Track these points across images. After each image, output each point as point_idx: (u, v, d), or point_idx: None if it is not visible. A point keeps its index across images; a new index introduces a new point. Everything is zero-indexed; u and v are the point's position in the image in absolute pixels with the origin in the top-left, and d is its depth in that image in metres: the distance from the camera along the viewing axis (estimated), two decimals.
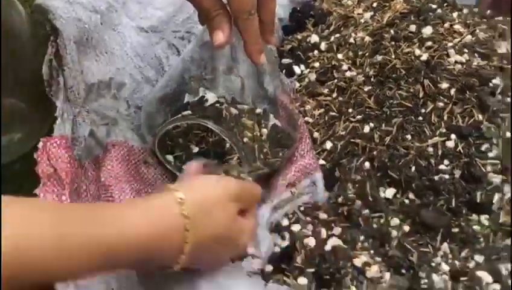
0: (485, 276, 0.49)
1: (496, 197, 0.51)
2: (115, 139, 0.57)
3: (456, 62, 0.57)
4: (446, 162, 0.53)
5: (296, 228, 0.55)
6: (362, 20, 0.70)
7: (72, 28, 0.60)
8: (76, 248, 0.36)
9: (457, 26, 0.61)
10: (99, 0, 0.67)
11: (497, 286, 0.49)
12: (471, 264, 0.50)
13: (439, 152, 0.53)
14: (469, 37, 0.60)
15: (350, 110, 0.61)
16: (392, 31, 0.64)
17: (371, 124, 0.58)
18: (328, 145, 0.61)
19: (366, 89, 0.61)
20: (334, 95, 0.65)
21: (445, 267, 0.50)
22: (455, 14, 0.66)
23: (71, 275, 0.38)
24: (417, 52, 0.60)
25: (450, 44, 0.59)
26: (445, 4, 0.70)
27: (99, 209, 0.40)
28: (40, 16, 0.60)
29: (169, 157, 0.61)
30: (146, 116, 0.62)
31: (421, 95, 0.56)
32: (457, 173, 0.52)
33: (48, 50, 0.54)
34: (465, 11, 0.69)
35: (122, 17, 0.70)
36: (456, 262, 0.51)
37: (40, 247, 0.34)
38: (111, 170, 0.54)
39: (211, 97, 0.65)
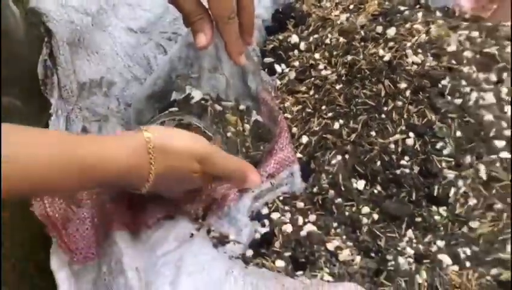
0: (446, 259, 0.54)
1: (452, 191, 0.56)
2: (106, 134, 0.61)
3: (412, 63, 0.62)
4: (406, 158, 0.58)
5: (275, 215, 0.59)
6: (338, 22, 0.75)
7: (64, 29, 0.63)
8: (64, 166, 0.44)
9: (416, 26, 0.65)
10: (90, 3, 0.71)
11: (456, 267, 0.54)
12: (433, 249, 0.55)
13: (400, 149, 0.57)
14: (423, 36, 0.64)
15: (323, 107, 0.65)
16: (362, 32, 0.69)
17: (341, 121, 0.62)
18: (304, 139, 0.65)
19: (337, 87, 0.66)
20: (311, 92, 0.69)
21: (410, 251, 0.55)
22: (419, 14, 0.70)
23: (57, 189, 0.46)
24: (381, 52, 0.64)
25: (408, 44, 0.64)
26: (417, 6, 0.74)
27: (85, 139, 0.48)
28: (34, 18, 0.64)
29: None
30: (135, 112, 0.66)
31: (382, 94, 0.61)
32: (416, 169, 0.57)
33: (43, 51, 0.58)
34: (437, 13, 0.73)
35: (112, 19, 0.73)
36: (420, 246, 0.55)
37: (35, 164, 0.42)
38: None
39: (196, 95, 0.68)
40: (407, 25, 0.66)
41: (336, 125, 0.64)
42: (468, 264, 0.54)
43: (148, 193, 0.51)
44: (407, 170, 0.57)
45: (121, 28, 0.74)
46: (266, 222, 0.59)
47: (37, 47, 0.62)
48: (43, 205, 0.50)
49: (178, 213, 0.57)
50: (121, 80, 0.70)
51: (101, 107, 0.64)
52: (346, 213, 0.59)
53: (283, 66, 0.76)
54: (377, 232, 0.57)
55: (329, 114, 0.66)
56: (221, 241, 0.58)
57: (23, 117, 0.67)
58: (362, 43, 0.68)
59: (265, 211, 0.60)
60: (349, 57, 0.67)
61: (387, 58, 0.63)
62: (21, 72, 0.63)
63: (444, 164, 0.56)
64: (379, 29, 0.68)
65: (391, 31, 0.67)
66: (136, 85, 0.71)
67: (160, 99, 0.68)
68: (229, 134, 0.64)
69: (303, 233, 0.57)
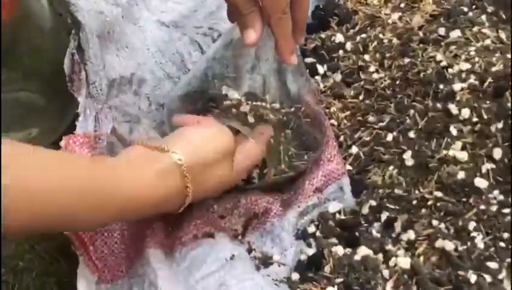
0: None
1: None
2: (138, 136, 0.55)
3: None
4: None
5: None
6: (390, 21, 0.68)
7: (94, 21, 0.58)
8: (95, 201, 0.40)
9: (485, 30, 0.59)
10: None
11: None
12: None
13: None
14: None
15: (374, 115, 0.60)
16: (420, 33, 0.63)
17: (394, 133, 0.57)
18: (354, 150, 0.59)
19: (389, 92, 0.60)
20: (361, 97, 0.63)
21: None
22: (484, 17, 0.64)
23: (85, 226, 0.43)
24: (438, 57, 0.59)
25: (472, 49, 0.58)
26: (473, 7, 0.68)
27: (117, 168, 0.44)
28: (61, 9, 0.58)
29: None
30: (168, 113, 0.61)
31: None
32: None
33: (70, 43, 0.52)
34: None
35: (143, 11, 0.68)
36: None
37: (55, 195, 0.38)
38: None
39: (233, 95, 0.63)
40: (475, 28, 0.60)
41: (389, 137, 0.58)
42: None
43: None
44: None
45: (152, 21, 0.68)
46: (312, 241, 0.53)
47: (64, 39, 0.56)
48: None
49: (216, 230, 0.51)
50: (152, 78, 0.65)
51: (132, 107, 0.59)
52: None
53: (325, 67, 0.70)
54: None
55: (381, 124, 0.60)
56: (264, 262, 0.52)
57: (44, 116, 0.62)
58: (421, 45, 0.61)
59: (311, 229, 0.54)
60: (406, 60, 0.61)
61: (444, 63, 0.57)
62: (44, 65, 0.58)
63: None
64: (441, 30, 0.61)
65: (454, 34, 0.61)
66: (169, 83, 0.65)
67: (194, 100, 0.63)
68: (273, 140, 0.58)
69: (357, 257, 0.51)
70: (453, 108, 0.55)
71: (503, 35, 0.61)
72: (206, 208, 0.54)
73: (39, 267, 0.52)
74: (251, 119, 0.59)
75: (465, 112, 0.54)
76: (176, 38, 0.68)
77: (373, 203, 0.54)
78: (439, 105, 0.55)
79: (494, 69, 0.56)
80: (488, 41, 0.60)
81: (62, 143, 0.47)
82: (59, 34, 0.57)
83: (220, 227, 0.53)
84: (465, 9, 0.65)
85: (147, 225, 0.50)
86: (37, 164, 0.38)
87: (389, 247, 0.51)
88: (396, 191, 0.54)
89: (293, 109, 0.62)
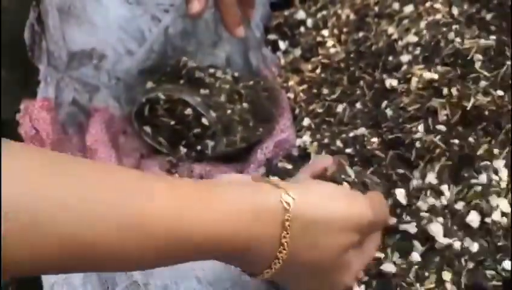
0: None
1: None
2: (97, 104, 0.62)
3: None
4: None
5: None
6: None
7: None
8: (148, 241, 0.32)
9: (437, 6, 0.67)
10: None
11: None
12: None
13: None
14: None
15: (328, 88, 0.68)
16: (376, 9, 0.70)
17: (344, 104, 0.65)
18: (306, 122, 0.67)
19: (343, 66, 0.68)
20: (318, 71, 0.71)
21: None
22: None
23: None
24: (390, 30, 0.66)
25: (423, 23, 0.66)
26: None
27: (188, 195, 0.35)
28: None
29: (147, 129, 0.66)
30: (126, 88, 0.68)
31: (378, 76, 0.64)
32: None
33: (30, 15, 0.59)
34: None
35: None
36: None
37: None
38: (95, 134, 0.60)
39: (192, 65, 0.69)
40: (427, 4, 0.68)
41: (339, 108, 0.66)
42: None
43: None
44: None
45: None
46: None
47: (24, 12, 0.63)
48: None
49: None
50: (113, 54, 0.71)
51: (91, 78, 0.66)
52: None
53: (287, 43, 0.78)
54: None
55: (332, 96, 0.67)
56: None
57: (6, 88, 0.69)
58: (376, 20, 0.69)
59: None
60: (361, 34, 0.69)
61: (395, 36, 0.65)
62: (5, 38, 0.65)
63: None
64: (395, 5, 0.69)
65: (408, 9, 0.68)
66: (129, 60, 0.72)
67: (153, 74, 0.70)
68: (229, 111, 0.65)
69: None
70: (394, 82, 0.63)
71: (455, 10, 0.69)
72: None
73: None
74: (206, 91, 0.66)
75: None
76: (138, 15, 0.75)
77: None
78: (385, 76, 0.63)
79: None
80: (438, 16, 0.68)
81: (22, 107, 0.54)
82: (19, 6, 0.64)
83: None
84: None
85: None
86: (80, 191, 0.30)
87: None
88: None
89: (251, 83, 0.70)
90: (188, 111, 0.62)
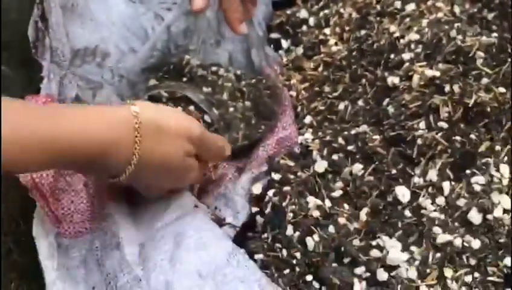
0: None
1: None
2: (100, 100, 0.63)
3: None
4: None
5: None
6: None
7: None
8: (33, 142, 0.42)
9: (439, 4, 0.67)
10: None
11: None
12: None
13: None
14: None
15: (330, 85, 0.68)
16: (378, 7, 0.71)
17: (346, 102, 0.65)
18: (308, 119, 0.67)
19: (345, 63, 0.68)
20: (320, 69, 0.71)
21: None
22: None
23: (24, 165, 0.44)
24: (392, 28, 0.67)
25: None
26: None
27: (59, 109, 0.47)
28: None
29: None
30: (129, 85, 0.68)
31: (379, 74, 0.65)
32: None
33: (34, 12, 0.60)
34: None
35: None
36: None
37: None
38: None
39: (195, 63, 0.69)
40: (429, 2, 0.68)
41: (341, 106, 0.66)
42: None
43: (128, 183, 0.50)
44: None
45: None
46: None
47: (28, 10, 0.64)
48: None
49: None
50: (116, 52, 0.72)
51: (95, 75, 0.66)
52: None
53: (289, 41, 0.78)
54: None
55: (334, 94, 0.68)
56: (217, 223, 0.60)
57: (11, 87, 0.69)
58: (378, 18, 0.70)
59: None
60: (363, 32, 0.69)
61: (397, 34, 0.65)
62: (10, 36, 0.66)
63: None
64: (397, 4, 0.69)
65: (410, 7, 0.69)
66: (132, 57, 0.73)
67: (155, 72, 0.70)
68: (231, 109, 0.65)
69: None
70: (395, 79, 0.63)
71: (457, 9, 0.69)
72: None
73: None
74: (208, 89, 0.67)
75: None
76: (141, 13, 0.76)
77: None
78: (387, 74, 0.64)
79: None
80: (440, 14, 0.68)
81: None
82: (23, 5, 0.64)
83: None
84: None
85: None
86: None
87: None
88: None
89: (253, 81, 0.70)
90: (191, 108, 0.63)
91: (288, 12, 0.81)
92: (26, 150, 0.42)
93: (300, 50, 0.76)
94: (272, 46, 0.78)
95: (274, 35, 0.80)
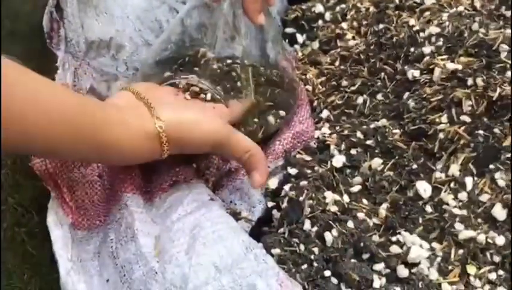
0: None
1: None
2: (115, 92, 0.62)
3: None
4: None
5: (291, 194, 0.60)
6: None
7: None
8: (79, 130, 0.46)
9: None
10: None
11: None
12: None
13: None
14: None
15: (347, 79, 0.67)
16: (396, 1, 0.70)
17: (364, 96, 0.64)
18: (325, 114, 0.66)
19: (363, 57, 0.67)
20: (336, 64, 0.70)
21: None
22: None
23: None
24: (411, 22, 0.66)
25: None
26: None
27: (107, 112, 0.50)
28: None
29: None
30: (143, 78, 0.68)
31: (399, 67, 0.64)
32: None
33: (49, 2, 0.60)
34: None
35: None
36: None
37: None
38: None
39: (210, 56, 0.69)
40: None
41: (359, 100, 0.65)
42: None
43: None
44: None
45: None
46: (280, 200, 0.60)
47: (42, 2, 0.63)
48: (44, 161, 0.51)
49: (194, 177, 0.58)
50: (131, 45, 0.71)
51: (109, 68, 0.65)
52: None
53: (305, 36, 0.77)
54: None
55: (352, 88, 0.67)
56: (232, 217, 0.59)
57: None
58: (396, 12, 0.68)
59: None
60: (381, 26, 0.68)
61: (417, 28, 0.64)
62: (23, 27, 0.65)
63: None
64: None
65: (429, 1, 0.68)
66: (147, 50, 0.72)
67: (170, 64, 0.70)
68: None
69: None
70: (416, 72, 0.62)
71: (477, 3, 0.68)
72: (184, 161, 0.61)
73: (11, 219, 0.58)
74: (224, 82, 0.66)
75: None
76: (155, 6, 0.75)
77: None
78: (407, 67, 0.62)
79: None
80: (461, 8, 0.67)
81: None
82: None
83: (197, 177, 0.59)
84: None
85: (126, 172, 0.56)
86: (31, 86, 0.43)
87: None
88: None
89: (269, 73, 0.69)
90: (208, 96, 0.62)
91: (304, 7, 0.80)
92: (76, 139, 0.46)
93: (316, 44, 0.75)
94: (287, 40, 0.78)
95: (289, 30, 0.79)
